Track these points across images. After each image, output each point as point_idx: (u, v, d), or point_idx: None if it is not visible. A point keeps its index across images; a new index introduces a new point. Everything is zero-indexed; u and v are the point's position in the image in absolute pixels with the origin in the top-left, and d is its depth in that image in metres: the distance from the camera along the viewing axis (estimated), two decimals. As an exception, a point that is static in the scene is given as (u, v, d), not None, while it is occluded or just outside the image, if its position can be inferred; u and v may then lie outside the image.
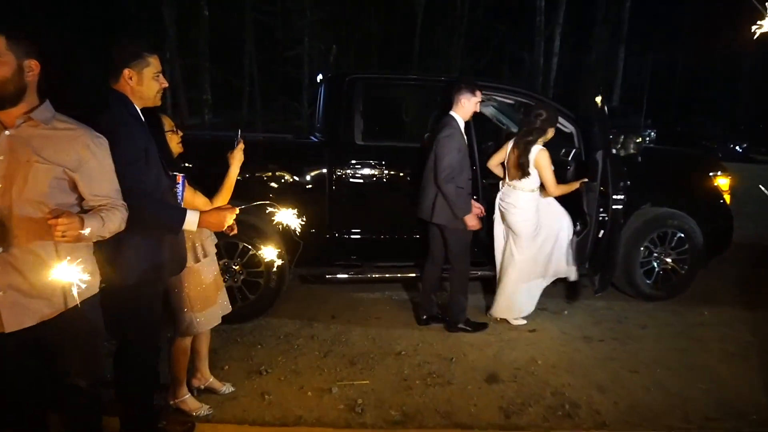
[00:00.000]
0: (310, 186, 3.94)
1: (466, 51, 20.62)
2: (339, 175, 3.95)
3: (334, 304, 4.27)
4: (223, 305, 2.77)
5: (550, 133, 3.83)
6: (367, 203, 4.07)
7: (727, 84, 26.15)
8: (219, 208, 2.14)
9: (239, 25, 18.85)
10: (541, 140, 3.79)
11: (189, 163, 2.89)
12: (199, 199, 2.47)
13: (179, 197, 2.29)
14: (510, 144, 3.88)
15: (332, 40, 19.15)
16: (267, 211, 2.21)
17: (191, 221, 2.04)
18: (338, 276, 4.05)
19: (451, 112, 3.63)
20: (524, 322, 3.97)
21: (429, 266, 3.91)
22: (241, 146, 2.62)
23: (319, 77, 4.61)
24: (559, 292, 4.49)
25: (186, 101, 18.41)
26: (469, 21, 20.40)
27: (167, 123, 2.38)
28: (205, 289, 2.60)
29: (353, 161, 3.98)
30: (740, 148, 17.90)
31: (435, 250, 3.85)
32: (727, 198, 4.72)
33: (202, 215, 2.06)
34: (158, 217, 2.03)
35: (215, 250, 2.71)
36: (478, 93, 3.62)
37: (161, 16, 16.68)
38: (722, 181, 4.74)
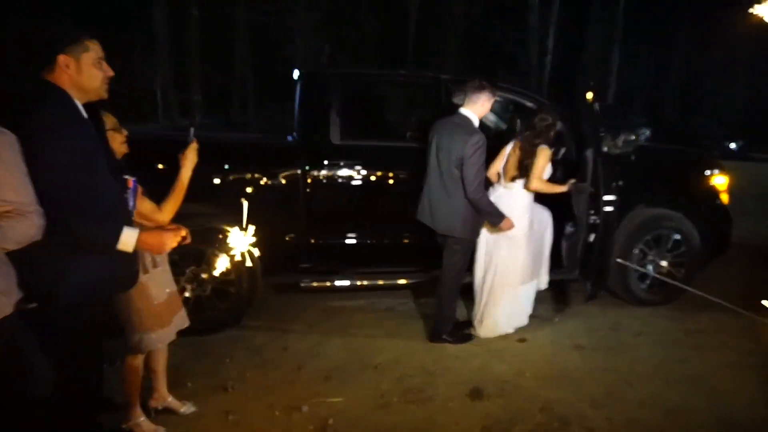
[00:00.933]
0: (283, 189, 3.71)
1: (460, 50, 20.50)
2: (314, 176, 3.73)
3: (311, 313, 4.04)
4: (178, 321, 2.53)
5: (552, 133, 3.64)
6: (345, 206, 3.85)
7: (724, 82, 26.07)
8: (162, 229, 1.90)
9: (232, 25, 18.65)
10: None
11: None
12: (145, 205, 2.23)
13: (131, 203, 2.05)
14: (508, 148, 3.66)
15: (327, 40, 18.96)
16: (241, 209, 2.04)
17: (127, 242, 1.78)
18: (314, 284, 3.82)
19: (467, 112, 3.35)
20: (512, 330, 3.75)
21: None
22: (194, 146, 2.36)
23: (296, 74, 4.39)
24: (551, 297, 4.28)
25: (177, 102, 18.16)
26: (463, 20, 20.27)
27: (109, 121, 2.14)
28: (156, 306, 2.36)
29: (329, 162, 3.76)
30: (736, 146, 17.79)
31: None
32: (725, 198, 4.53)
33: (140, 235, 1.81)
34: (88, 231, 1.75)
35: (167, 259, 2.47)
36: (496, 93, 3.42)
37: (151, 17, 16.46)
38: (720, 180, 4.55)
